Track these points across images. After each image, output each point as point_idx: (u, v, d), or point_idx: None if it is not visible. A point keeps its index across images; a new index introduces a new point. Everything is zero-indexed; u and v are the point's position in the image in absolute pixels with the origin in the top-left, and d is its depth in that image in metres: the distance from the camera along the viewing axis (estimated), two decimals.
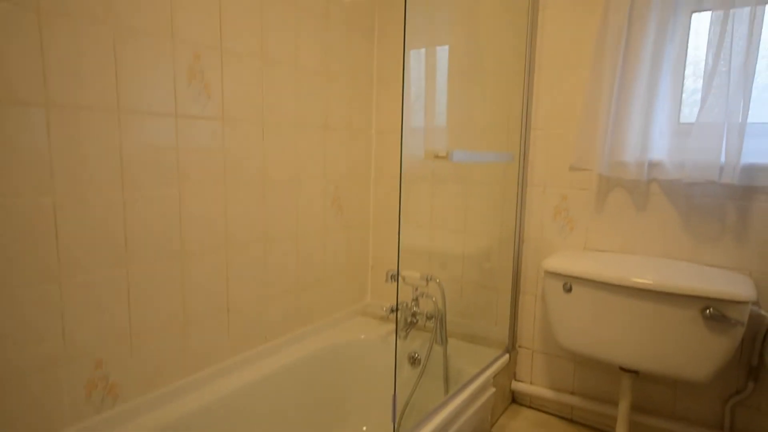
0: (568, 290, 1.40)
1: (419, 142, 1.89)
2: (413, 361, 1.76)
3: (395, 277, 1.74)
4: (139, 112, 1.15)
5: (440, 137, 1.88)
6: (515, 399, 1.74)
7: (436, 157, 1.15)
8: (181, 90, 1.24)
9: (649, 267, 1.36)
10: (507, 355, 1.65)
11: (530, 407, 1.70)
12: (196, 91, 1.28)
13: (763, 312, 1.30)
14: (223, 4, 1.31)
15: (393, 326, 1.87)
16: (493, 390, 1.54)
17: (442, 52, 1.87)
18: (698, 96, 1.44)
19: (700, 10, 1.42)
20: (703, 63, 1.37)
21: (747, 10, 1.27)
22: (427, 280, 1.71)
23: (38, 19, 0.96)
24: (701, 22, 1.43)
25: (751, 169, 1.30)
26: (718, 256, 1.36)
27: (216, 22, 1.30)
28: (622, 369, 1.41)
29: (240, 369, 1.47)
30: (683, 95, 1.48)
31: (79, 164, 1.05)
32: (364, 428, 1.74)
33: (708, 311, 1.20)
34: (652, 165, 1.42)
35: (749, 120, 1.30)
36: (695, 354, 1.23)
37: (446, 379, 1.67)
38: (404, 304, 1.73)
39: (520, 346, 1.71)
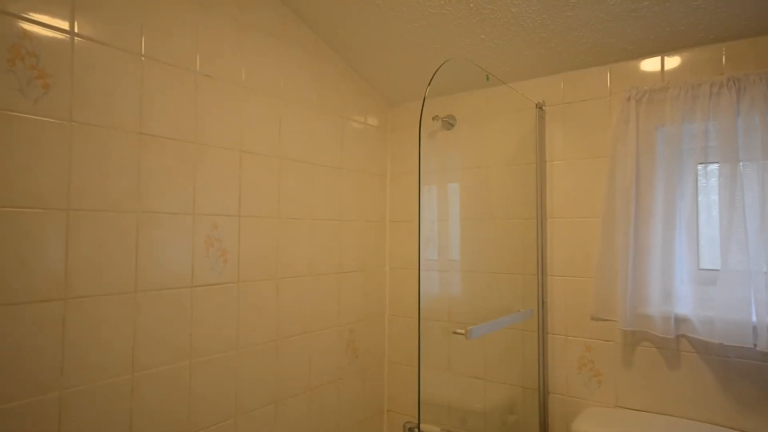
0: None
1: (434, 278, 1.87)
2: None
3: (413, 430, 1.63)
4: (156, 289, 1.16)
5: (454, 276, 1.86)
6: None
7: (455, 333, 1.12)
8: (199, 260, 1.26)
9: None
10: None
11: None
12: (213, 259, 1.30)
13: None
14: (243, 178, 1.38)
15: None
16: None
17: (453, 189, 1.92)
18: (716, 242, 1.41)
19: (706, 163, 1.44)
20: (717, 209, 1.36)
21: (755, 164, 1.28)
22: None
23: (67, 219, 1.01)
24: (710, 171, 1.44)
25: None
26: (766, 425, 1.25)
27: (236, 193, 1.36)
28: None
29: None
30: (700, 240, 1.46)
31: (90, 354, 1.04)
32: None
33: None
34: (679, 320, 1.36)
35: None
36: None
37: None
38: None
39: None
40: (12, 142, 0.94)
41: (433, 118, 1.78)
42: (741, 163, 1.30)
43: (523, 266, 1.64)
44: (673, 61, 1.41)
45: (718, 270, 1.32)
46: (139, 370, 1.13)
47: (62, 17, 1.00)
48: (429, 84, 1.12)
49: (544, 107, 1.62)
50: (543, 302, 1.59)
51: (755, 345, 1.21)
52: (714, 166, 1.41)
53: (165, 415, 1.17)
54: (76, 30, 1.03)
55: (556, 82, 1.60)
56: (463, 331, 1.10)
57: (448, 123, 1.81)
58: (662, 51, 1.42)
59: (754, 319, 1.23)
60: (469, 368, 1.73)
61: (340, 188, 1.73)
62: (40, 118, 0.97)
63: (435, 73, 1.10)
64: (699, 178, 1.44)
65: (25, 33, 0.95)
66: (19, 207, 0.95)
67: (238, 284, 1.36)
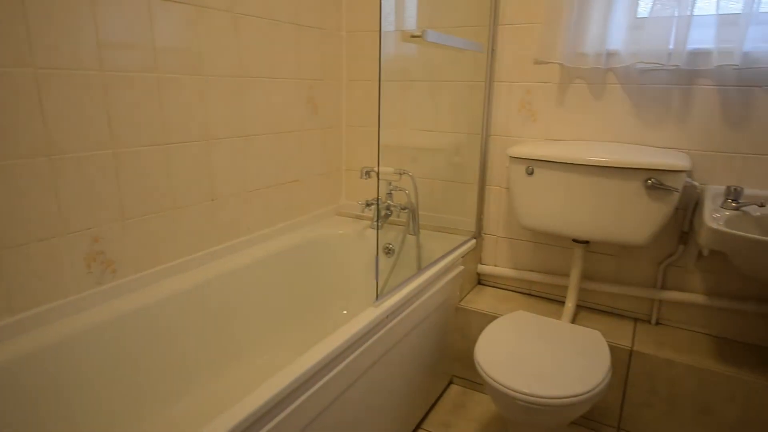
0: (530, 173, 1.53)
1: (390, 41, 1.91)
2: (388, 251, 1.90)
3: (369, 173, 1.83)
4: None
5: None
6: (481, 281, 1.93)
7: (412, 37, 1.20)
8: None
9: (602, 149, 1.50)
10: (474, 240, 1.80)
11: (494, 287, 1.90)
12: None
13: (695, 183, 1.48)
14: None
15: (367, 222, 1.99)
16: (461, 268, 1.70)
17: None
18: None
19: None
20: None
21: None
22: (399, 174, 1.81)
23: None
24: None
25: (694, 54, 1.42)
26: (663, 137, 1.52)
27: None
28: (575, 241, 1.59)
29: (227, 255, 1.56)
30: None
31: (58, 37, 1.04)
32: (345, 312, 1.90)
33: (649, 181, 1.36)
34: (610, 54, 1.52)
35: (695, 13, 1.40)
36: (637, 220, 1.41)
37: (419, 267, 1.82)
38: (379, 199, 1.84)
39: (485, 233, 1.87)
40: None
41: None
42: None
43: (477, 18, 1.70)
44: None
45: (646, 17, 1.46)
46: (109, 71, 1.15)
47: None
48: None
49: None
50: (492, 50, 1.70)
51: (668, 63, 1.41)
52: None
53: (139, 120, 1.24)
54: None
55: None
56: (419, 33, 1.18)
57: None
58: None
59: (671, 47, 1.41)
60: (421, 123, 1.89)
61: None
62: None
63: None
64: None
65: None
66: None
67: (195, 7, 1.34)
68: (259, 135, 1.63)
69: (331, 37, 1.91)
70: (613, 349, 1.48)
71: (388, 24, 1.91)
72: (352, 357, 1.09)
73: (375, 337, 1.18)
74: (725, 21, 1.37)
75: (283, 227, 1.79)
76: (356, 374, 1.12)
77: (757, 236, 1.09)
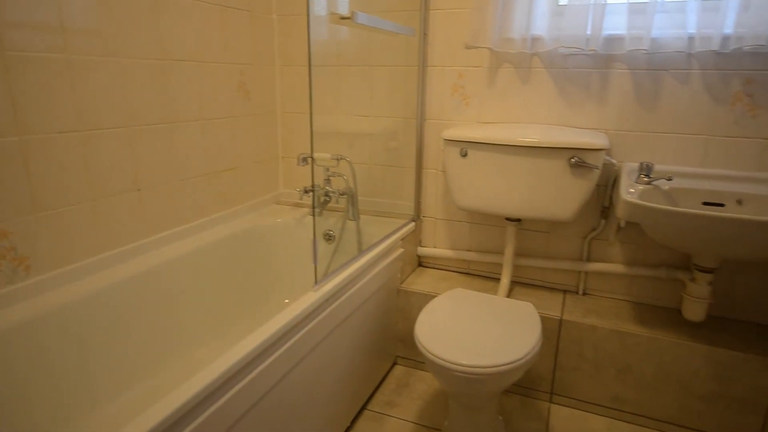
0: (464, 155, 1.58)
1: (322, 25, 1.88)
2: (328, 237, 1.89)
3: (306, 159, 1.81)
4: None
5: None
6: (421, 263, 1.97)
7: (342, 18, 1.19)
8: None
9: (530, 131, 1.56)
10: (413, 223, 1.84)
11: (434, 268, 1.95)
12: None
13: (614, 161, 1.58)
14: None
15: (307, 210, 1.97)
16: (401, 250, 1.72)
17: None
18: None
19: None
20: None
21: None
22: (337, 159, 1.80)
23: None
24: None
25: (609, 40, 1.52)
26: (585, 118, 1.61)
27: None
28: (508, 219, 1.66)
29: (159, 248, 1.49)
30: None
31: None
32: (287, 300, 1.88)
33: (573, 159, 1.44)
34: (535, 39, 1.59)
35: (609, 1, 1.50)
36: (563, 197, 1.49)
37: (360, 252, 1.83)
38: (317, 185, 1.82)
39: (424, 216, 1.91)
40: None
41: None
42: None
43: (409, 3, 1.71)
44: None
45: (566, 4, 1.54)
46: (12, 50, 1.05)
47: None
48: None
49: None
50: (425, 34, 1.72)
51: (586, 47, 1.50)
52: None
53: (50, 105, 1.15)
54: None
55: None
56: (349, 15, 1.18)
57: None
58: None
59: (588, 33, 1.49)
60: (357, 108, 1.89)
61: None
62: None
63: None
64: None
65: None
66: None
67: None
68: (187, 121, 1.56)
69: (261, 20, 1.85)
70: (545, 320, 1.57)
71: (320, 8, 1.88)
72: (291, 342, 1.08)
73: (315, 321, 1.17)
74: (635, 9, 1.47)
75: (218, 217, 1.73)
76: (297, 358, 1.12)
77: (664, 207, 1.18)
